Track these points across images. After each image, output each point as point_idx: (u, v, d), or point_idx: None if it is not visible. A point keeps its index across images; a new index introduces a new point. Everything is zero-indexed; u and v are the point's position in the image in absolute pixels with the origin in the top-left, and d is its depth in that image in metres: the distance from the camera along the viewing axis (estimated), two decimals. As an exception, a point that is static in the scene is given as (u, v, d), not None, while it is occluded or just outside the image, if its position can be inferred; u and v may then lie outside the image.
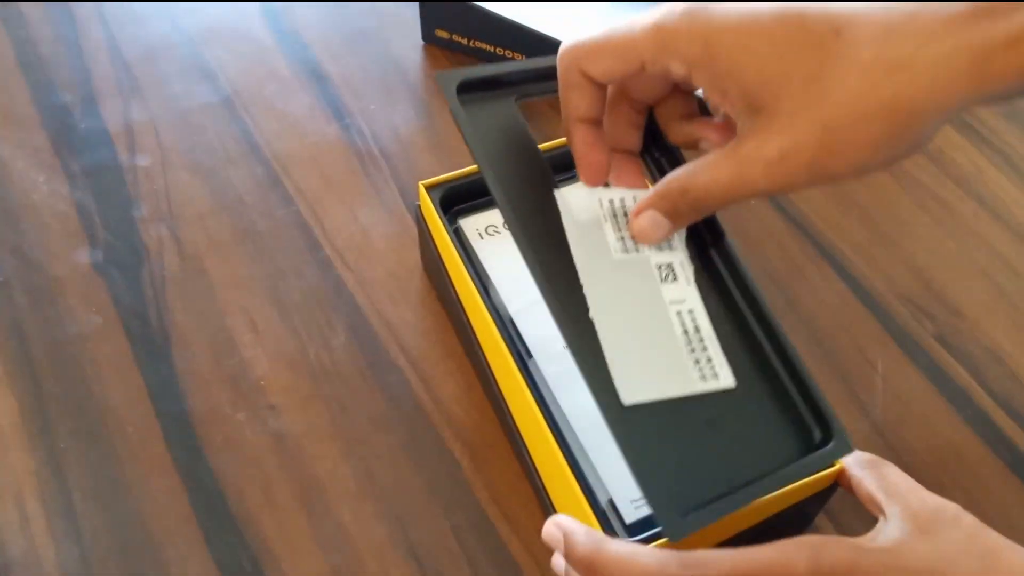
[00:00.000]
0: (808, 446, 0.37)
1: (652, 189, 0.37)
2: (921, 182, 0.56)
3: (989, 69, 0.28)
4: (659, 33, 0.33)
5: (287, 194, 0.54)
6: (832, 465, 0.37)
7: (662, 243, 0.40)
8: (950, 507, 0.33)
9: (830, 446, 0.36)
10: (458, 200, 0.47)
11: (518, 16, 0.58)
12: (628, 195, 0.41)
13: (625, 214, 0.41)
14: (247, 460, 0.45)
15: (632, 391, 0.35)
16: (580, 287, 0.38)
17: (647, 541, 0.37)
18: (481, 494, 0.44)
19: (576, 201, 0.40)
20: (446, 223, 0.45)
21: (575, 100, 0.37)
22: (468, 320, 0.46)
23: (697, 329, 0.39)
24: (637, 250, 0.40)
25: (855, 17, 0.30)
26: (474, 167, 0.47)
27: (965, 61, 0.28)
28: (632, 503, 0.39)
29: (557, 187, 0.40)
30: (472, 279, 0.43)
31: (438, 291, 0.50)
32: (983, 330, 0.50)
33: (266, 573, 0.42)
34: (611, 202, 0.41)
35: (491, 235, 0.47)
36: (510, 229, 0.38)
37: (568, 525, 0.33)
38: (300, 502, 0.44)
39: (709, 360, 0.38)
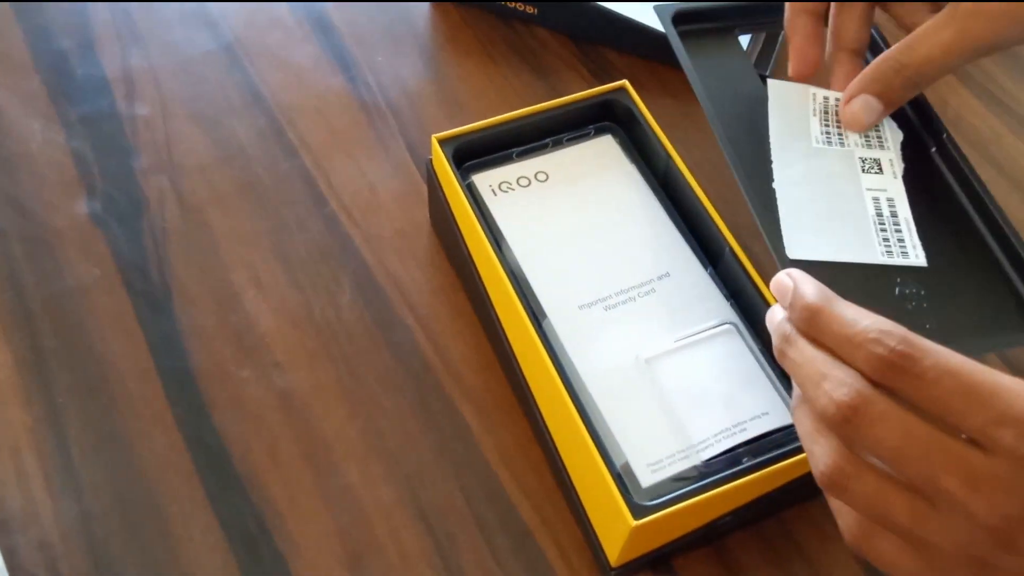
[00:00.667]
0: None
1: (861, 73, 0.39)
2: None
3: None
4: None
5: (291, 146, 0.53)
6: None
7: (872, 140, 0.42)
8: None
9: None
10: (471, 155, 0.46)
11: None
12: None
13: (835, 111, 0.43)
14: (252, 418, 0.44)
15: (798, 247, 0.38)
16: (770, 163, 0.40)
17: (665, 506, 0.36)
18: (491, 455, 0.43)
19: (786, 92, 0.43)
20: (459, 178, 0.44)
21: (804, 27, 0.39)
22: (480, 278, 0.44)
23: (894, 214, 0.40)
24: (842, 144, 0.42)
25: None
26: (490, 120, 0.46)
27: None
28: (648, 467, 0.38)
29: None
30: (486, 236, 0.42)
31: (447, 249, 0.49)
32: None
33: (271, 533, 0.41)
34: (825, 99, 0.43)
35: (505, 192, 0.45)
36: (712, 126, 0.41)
37: (799, 274, 0.33)
38: (306, 461, 0.43)
39: (900, 241, 0.40)
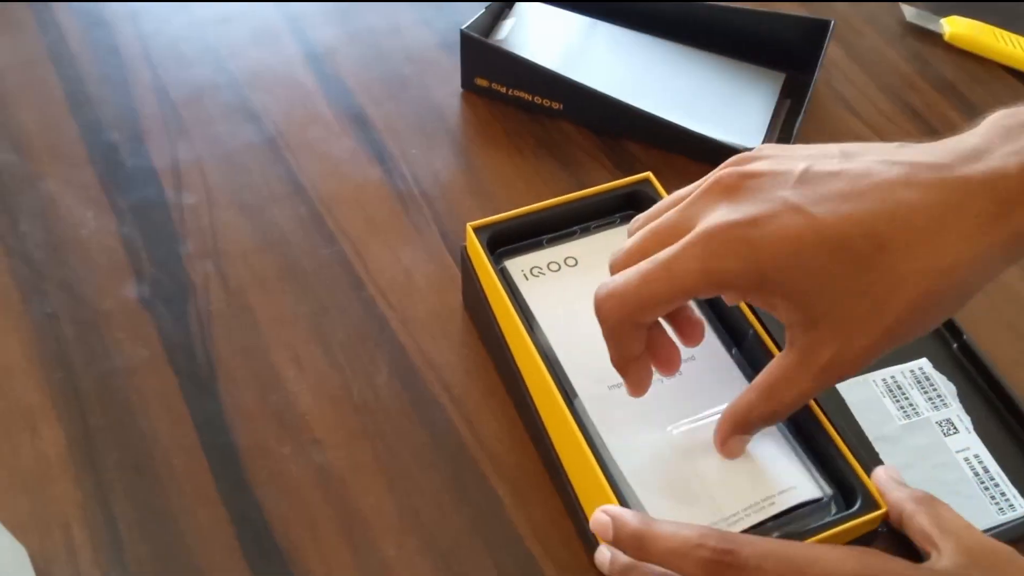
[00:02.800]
0: None
1: (725, 415, 0.40)
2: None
3: (1020, 248, 0.33)
4: (709, 275, 0.35)
5: (330, 234, 0.55)
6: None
7: (935, 400, 0.49)
8: (1005, 549, 0.34)
9: None
10: (503, 241, 0.48)
11: (557, 65, 0.60)
12: (897, 371, 0.50)
13: (899, 388, 0.49)
14: (292, 493, 0.45)
15: None
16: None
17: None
18: (524, 530, 0.45)
19: (856, 392, 0.49)
20: (493, 263, 0.46)
21: (629, 346, 0.38)
22: (513, 359, 0.46)
23: (986, 470, 0.46)
24: (917, 414, 0.48)
25: (891, 232, 0.33)
26: (522, 209, 0.48)
27: (999, 251, 0.33)
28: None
29: None
30: (519, 318, 0.44)
31: (480, 331, 0.51)
32: (1017, 382, 0.51)
33: (312, 606, 0.42)
34: (884, 381, 0.49)
35: (536, 276, 0.48)
36: None
37: (615, 510, 0.36)
38: (344, 536, 0.44)
39: (1003, 495, 0.45)
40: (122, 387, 0.48)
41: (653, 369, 0.41)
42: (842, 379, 0.36)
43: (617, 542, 0.35)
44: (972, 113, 0.64)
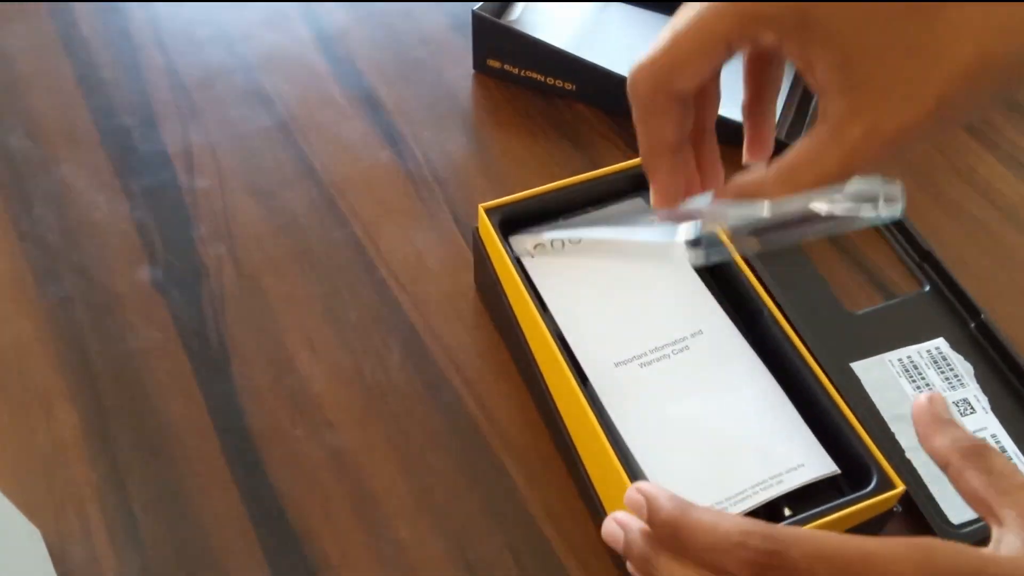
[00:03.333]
0: None
1: (729, 188, 0.35)
2: (970, 212, 0.57)
3: None
4: (743, 14, 0.31)
5: (342, 216, 0.55)
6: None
7: (952, 381, 0.48)
8: None
9: None
10: (514, 223, 0.48)
11: (569, 45, 0.59)
12: (914, 351, 0.49)
13: (916, 367, 0.48)
14: (306, 475, 0.45)
15: (956, 511, 0.43)
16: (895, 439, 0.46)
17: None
18: (536, 512, 0.45)
19: (868, 367, 0.49)
20: (505, 245, 0.46)
21: (663, 128, 0.34)
22: (525, 340, 0.46)
23: (1004, 449, 0.46)
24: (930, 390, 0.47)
25: None
26: (532, 190, 0.48)
27: None
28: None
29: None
30: (531, 300, 0.44)
31: (492, 313, 0.51)
32: (1035, 359, 0.50)
33: (325, 587, 0.42)
34: (900, 360, 0.49)
35: (539, 253, 0.47)
36: None
37: (651, 490, 0.32)
38: (358, 517, 0.44)
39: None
40: (136, 369, 0.49)
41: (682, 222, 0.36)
42: (872, 164, 0.31)
43: (651, 525, 0.31)
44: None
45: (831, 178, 0.32)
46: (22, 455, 0.46)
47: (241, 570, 0.42)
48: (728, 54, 0.32)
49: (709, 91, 0.36)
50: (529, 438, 0.47)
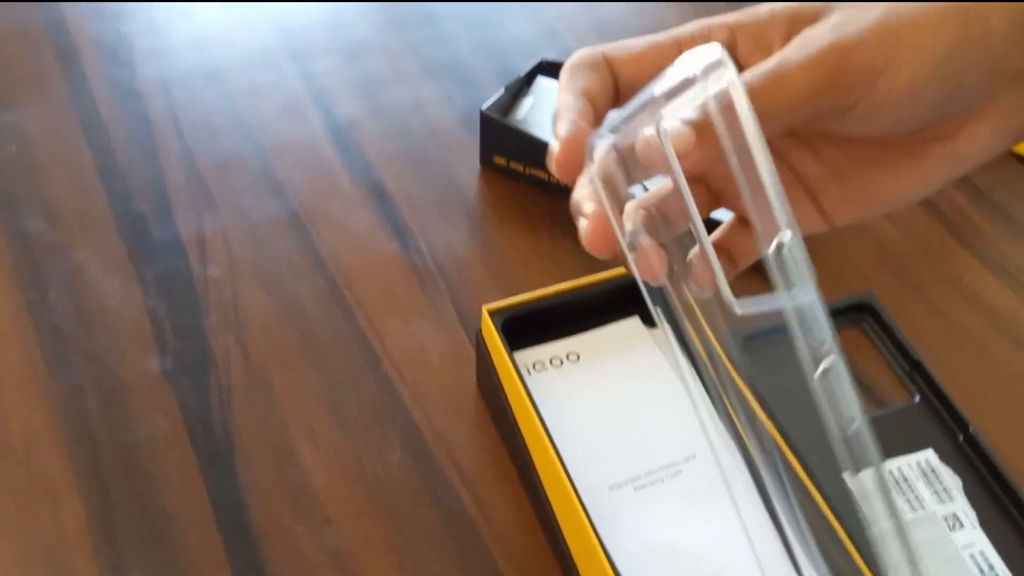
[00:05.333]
0: None
1: None
2: (958, 321, 0.58)
3: None
4: (697, 21, 0.33)
5: (348, 308, 0.57)
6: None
7: (941, 495, 0.49)
8: None
9: None
10: (517, 324, 0.50)
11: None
12: (904, 463, 0.49)
13: (906, 480, 0.49)
14: (305, 574, 0.46)
15: None
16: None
17: None
18: (531, 617, 0.45)
19: (861, 484, 0.46)
20: (509, 350, 0.47)
21: (587, 76, 0.33)
22: (526, 447, 0.47)
23: (991, 567, 0.46)
24: (923, 507, 0.48)
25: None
26: (534, 294, 0.49)
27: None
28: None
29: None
30: (532, 408, 0.45)
31: (493, 412, 0.52)
32: (1022, 477, 0.51)
33: None
34: (890, 473, 0.49)
35: (539, 371, 0.49)
36: None
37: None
38: (355, 618, 0.45)
39: None
40: (143, 461, 0.50)
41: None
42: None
43: None
44: (980, 199, 0.65)
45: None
46: (28, 546, 0.46)
47: (239, 670, 0.43)
48: (674, 57, 0.30)
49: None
50: (527, 541, 0.48)
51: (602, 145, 0.31)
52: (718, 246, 0.36)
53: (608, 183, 0.31)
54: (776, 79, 0.29)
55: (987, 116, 0.32)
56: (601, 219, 0.31)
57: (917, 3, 0.30)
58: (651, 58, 0.33)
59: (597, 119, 0.33)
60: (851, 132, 0.32)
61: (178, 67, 0.70)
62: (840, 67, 0.29)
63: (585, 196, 0.32)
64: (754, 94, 0.27)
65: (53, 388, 0.52)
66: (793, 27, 0.32)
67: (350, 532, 0.48)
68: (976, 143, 0.33)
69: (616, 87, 0.34)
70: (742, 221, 0.36)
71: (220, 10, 0.75)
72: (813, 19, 0.31)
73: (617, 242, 0.31)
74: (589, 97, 0.33)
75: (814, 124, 0.32)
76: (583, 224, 0.32)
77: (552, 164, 0.33)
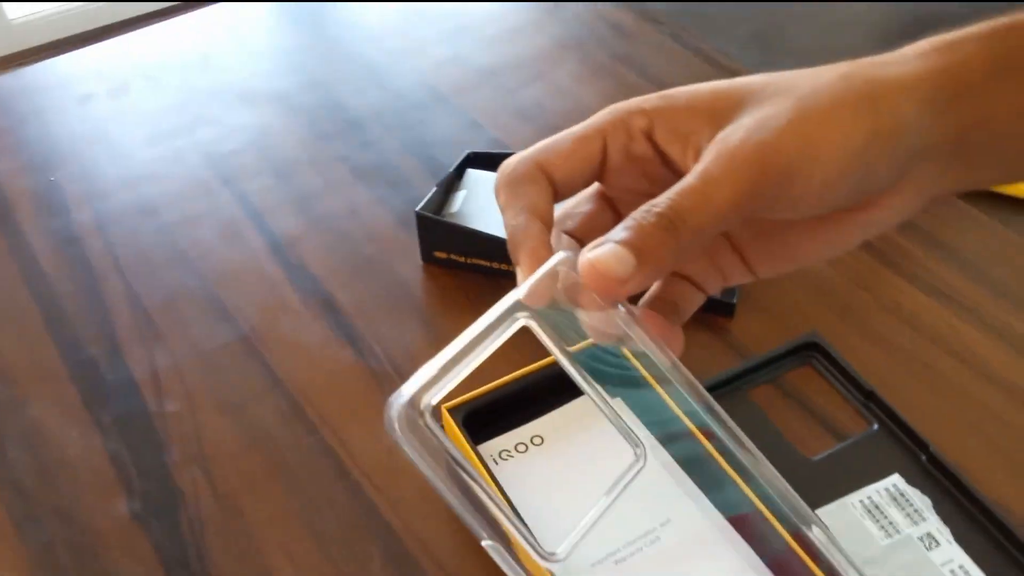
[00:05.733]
0: None
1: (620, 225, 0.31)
2: (901, 345, 0.60)
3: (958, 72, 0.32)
4: (615, 107, 0.34)
5: (311, 423, 0.57)
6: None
7: (913, 516, 0.50)
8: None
9: None
10: (479, 417, 0.50)
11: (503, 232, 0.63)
12: (872, 490, 0.50)
13: (877, 507, 0.50)
14: None
15: None
16: None
17: None
18: None
19: (836, 517, 0.50)
20: (472, 443, 0.48)
21: (528, 194, 0.33)
22: (505, 535, 0.47)
23: None
24: (899, 532, 0.49)
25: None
26: (489, 386, 0.50)
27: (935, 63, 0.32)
28: None
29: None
30: (504, 498, 0.46)
31: (467, 505, 0.52)
32: (985, 484, 0.52)
33: None
34: (861, 502, 0.50)
35: (505, 460, 0.50)
36: None
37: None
38: None
39: None
40: (122, 609, 0.49)
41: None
42: (774, 166, 0.31)
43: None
44: (906, 225, 0.68)
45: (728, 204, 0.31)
46: None
47: None
48: (601, 157, 0.34)
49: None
50: (517, 630, 0.48)
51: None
52: (666, 300, 0.37)
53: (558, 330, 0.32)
54: (703, 197, 0.30)
55: (900, 190, 0.34)
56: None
57: (828, 97, 0.32)
58: (581, 155, 0.35)
59: (548, 230, 0.34)
60: (775, 218, 0.34)
61: (112, 207, 0.71)
62: (760, 176, 0.31)
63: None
64: (685, 213, 0.30)
65: (23, 548, 0.52)
66: (712, 120, 0.33)
67: (341, 650, 0.47)
68: (890, 212, 0.35)
69: (554, 190, 0.35)
70: (678, 276, 0.37)
71: (148, 148, 0.76)
72: (728, 114, 0.33)
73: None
74: (537, 214, 0.33)
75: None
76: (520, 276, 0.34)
77: (525, 296, 0.33)
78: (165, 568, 0.51)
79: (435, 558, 0.51)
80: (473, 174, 0.68)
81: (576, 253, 0.32)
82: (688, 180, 0.31)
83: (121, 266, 0.67)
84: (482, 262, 0.64)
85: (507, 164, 0.35)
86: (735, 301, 0.61)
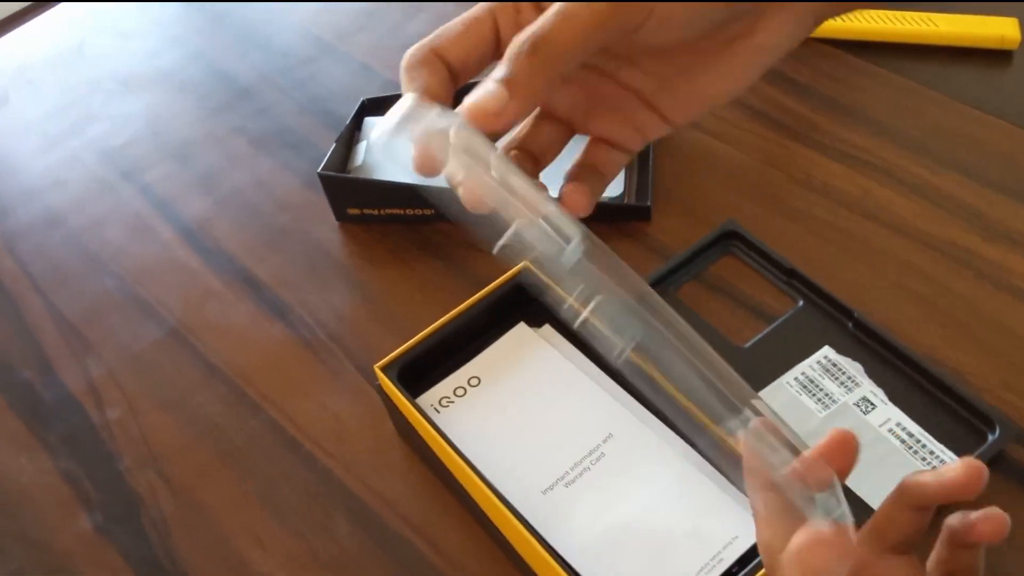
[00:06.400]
0: None
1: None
2: (817, 216, 0.61)
3: None
4: None
5: (255, 404, 0.57)
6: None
7: (847, 383, 0.51)
8: None
9: None
10: (414, 368, 0.51)
11: (411, 178, 0.62)
12: (805, 366, 0.52)
13: (811, 381, 0.52)
14: (291, 673, 0.47)
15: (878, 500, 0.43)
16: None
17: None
18: (514, 636, 0.47)
19: (775, 398, 0.51)
20: (409, 398, 0.48)
21: (421, 74, 0.34)
22: (457, 480, 0.48)
23: (910, 435, 0.49)
24: (834, 401, 0.50)
25: None
26: (420, 335, 0.51)
27: None
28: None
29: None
30: (450, 449, 0.46)
31: (419, 453, 0.53)
32: (913, 338, 0.54)
33: None
34: (796, 379, 0.52)
35: (446, 407, 0.50)
36: None
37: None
38: None
39: (932, 452, 0.48)
40: (103, 621, 0.50)
41: None
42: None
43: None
44: (805, 94, 0.68)
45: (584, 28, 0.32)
46: None
47: None
48: (492, 28, 0.34)
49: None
50: (485, 564, 0.49)
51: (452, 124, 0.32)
52: (585, 165, 0.38)
53: (469, 152, 0.32)
54: (563, 19, 0.32)
55: (779, 10, 0.35)
56: (475, 177, 0.33)
57: None
58: (473, 35, 0.35)
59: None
60: (651, 44, 0.35)
61: (16, 224, 0.69)
62: None
63: (456, 168, 0.34)
64: (548, 35, 0.31)
65: (-7, 584, 0.52)
66: None
67: (322, 618, 0.49)
68: (776, 35, 0.35)
69: (452, 73, 0.35)
70: (598, 140, 0.38)
71: (41, 156, 0.74)
72: None
73: (493, 196, 0.33)
74: (431, 94, 0.34)
75: (615, 46, 0.34)
76: (460, 191, 0.34)
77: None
78: (136, 570, 0.51)
79: (398, 511, 0.52)
80: (371, 122, 0.67)
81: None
82: (550, 9, 0.32)
83: (36, 282, 0.65)
84: (397, 211, 0.63)
85: (405, 55, 0.35)
86: (649, 203, 0.62)
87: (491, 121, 0.32)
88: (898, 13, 0.69)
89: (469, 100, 0.32)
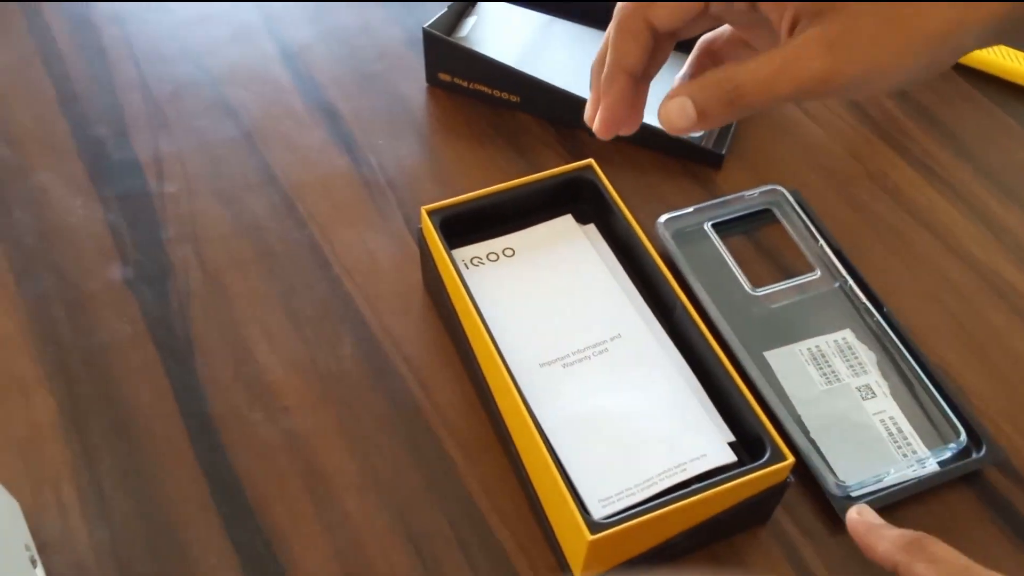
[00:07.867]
0: None
1: (697, 79, 0.36)
2: (879, 213, 0.61)
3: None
4: None
5: (301, 219, 0.60)
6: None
7: (856, 368, 0.52)
8: None
9: None
10: (457, 224, 0.53)
11: (514, 60, 0.64)
12: (822, 341, 0.54)
13: (823, 356, 0.53)
14: (262, 455, 0.50)
15: (851, 477, 0.48)
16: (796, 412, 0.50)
17: (618, 523, 0.41)
18: (473, 488, 0.49)
19: (779, 355, 0.53)
20: (446, 246, 0.50)
21: (628, 48, 0.37)
22: (466, 335, 0.51)
23: (900, 430, 0.50)
24: (838, 380, 0.52)
25: None
26: (472, 194, 0.52)
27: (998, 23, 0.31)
28: (600, 502, 0.44)
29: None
30: (469, 301, 0.48)
31: (438, 308, 0.55)
32: (931, 348, 0.55)
33: (278, 554, 0.46)
34: (808, 350, 0.53)
35: (476, 266, 0.52)
36: None
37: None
38: (309, 493, 0.48)
39: (914, 451, 0.49)
40: (108, 360, 0.53)
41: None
42: (829, 68, 0.33)
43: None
44: (904, 100, 0.68)
45: (771, 75, 0.34)
46: (2, 437, 0.50)
47: (200, 540, 0.47)
48: (703, 10, 0.36)
49: (664, 49, 0.39)
50: (468, 421, 0.51)
51: None
52: (710, 52, 0.41)
53: None
54: (767, 88, 0.34)
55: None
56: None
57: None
58: (685, 7, 0.36)
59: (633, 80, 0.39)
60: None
61: (128, 3, 0.72)
62: (822, 87, 0.33)
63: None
64: (747, 95, 0.34)
65: (20, 297, 0.55)
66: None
67: (305, 418, 0.51)
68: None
69: (654, 39, 0.37)
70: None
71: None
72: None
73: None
74: (625, 69, 0.38)
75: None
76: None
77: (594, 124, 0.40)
78: (150, 329, 0.54)
79: (401, 351, 0.54)
80: (484, 3, 0.69)
81: None
82: (762, 67, 0.34)
83: (135, 54, 0.68)
84: (484, 88, 0.65)
85: (621, 7, 0.38)
86: (724, 152, 0.63)
87: (672, 130, 0.36)
88: (1017, 52, 0.69)
89: (664, 108, 0.36)
